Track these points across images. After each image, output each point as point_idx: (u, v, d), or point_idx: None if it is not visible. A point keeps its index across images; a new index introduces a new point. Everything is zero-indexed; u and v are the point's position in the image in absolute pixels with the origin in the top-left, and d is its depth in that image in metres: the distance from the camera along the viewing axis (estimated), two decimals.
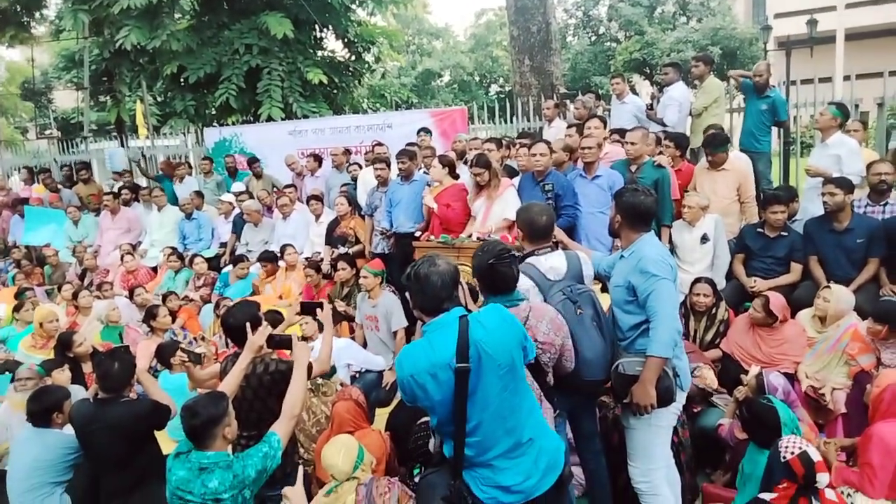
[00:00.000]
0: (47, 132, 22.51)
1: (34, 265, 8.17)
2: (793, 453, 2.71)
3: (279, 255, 6.68)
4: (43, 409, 3.44)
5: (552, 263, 2.97)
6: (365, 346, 5.42)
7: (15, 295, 6.70)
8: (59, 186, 9.68)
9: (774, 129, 6.85)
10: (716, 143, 5.47)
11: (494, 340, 2.22)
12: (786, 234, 4.90)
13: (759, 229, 4.99)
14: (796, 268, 4.87)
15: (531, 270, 2.94)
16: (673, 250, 5.02)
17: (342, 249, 6.47)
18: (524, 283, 2.88)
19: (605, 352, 2.88)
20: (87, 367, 4.83)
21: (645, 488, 2.99)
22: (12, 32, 14.04)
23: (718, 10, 24.38)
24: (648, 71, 23.18)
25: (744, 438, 3.41)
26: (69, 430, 3.45)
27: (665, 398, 2.85)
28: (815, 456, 2.70)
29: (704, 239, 5.04)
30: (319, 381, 4.07)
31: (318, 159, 8.14)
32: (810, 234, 4.88)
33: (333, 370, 4.32)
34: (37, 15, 14.63)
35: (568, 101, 8.41)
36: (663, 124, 6.72)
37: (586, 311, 2.86)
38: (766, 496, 2.77)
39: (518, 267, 2.75)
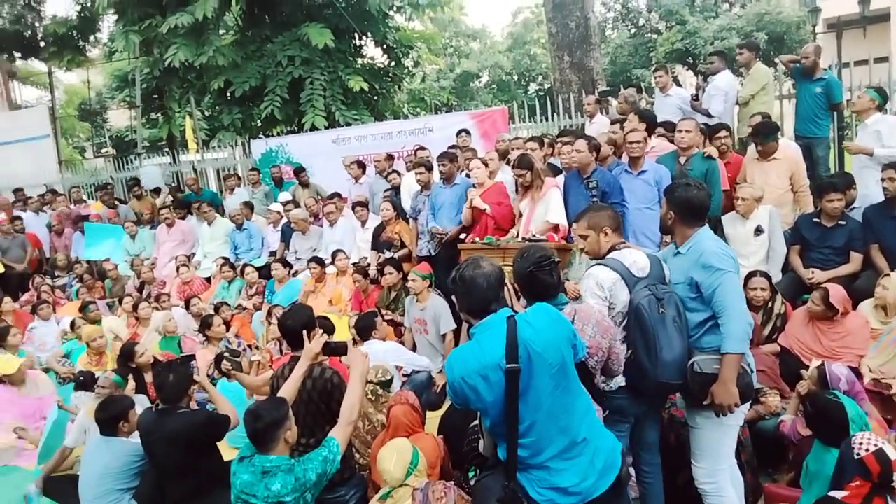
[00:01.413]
0: (103, 150, 23.47)
1: (95, 279, 8.50)
2: (867, 450, 2.61)
3: (331, 260, 6.80)
4: (109, 418, 3.58)
5: (635, 258, 2.90)
6: (414, 349, 5.46)
7: (79, 308, 6.99)
8: (117, 202, 10.08)
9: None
10: (765, 132, 5.32)
11: (543, 339, 2.21)
12: (844, 222, 4.72)
13: (816, 219, 4.83)
14: (856, 257, 4.69)
15: (617, 265, 2.86)
16: (726, 243, 4.90)
17: (388, 254, 6.53)
18: (609, 276, 2.82)
19: (683, 355, 2.79)
20: (150, 377, 5.01)
21: (710, 489, 2.92)
22: (70, 56, 14.74)
23: None
24: (692, 61, 22.63)
25: (808, 435, 3.30)
26: (135, 438, 3.59)
27: (746, 395, 2.78)
28: (892, 454, 2.59)
29: (759, 231, 4.91)
30: (380, 391, 4.11)
31: (363, 166, 8.25)
32: (870, 222, 4.70)
33: (390, 381, 4.35)
34: (91, 39, 15.31)
35: (609, 98, 8.30)
36: (709, 115, 6.57)
37: (669, 311, 2.77)
38: (837, 494, 2.67)
39: (559, 273, 2.72)
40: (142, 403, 4.20)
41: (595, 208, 3.22)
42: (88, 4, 13.61)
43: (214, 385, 4.57)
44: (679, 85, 7.97)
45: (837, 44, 13.62)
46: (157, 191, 10.40)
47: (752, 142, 5.86)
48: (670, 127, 5.77)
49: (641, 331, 2.73)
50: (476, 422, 3.31)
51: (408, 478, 2.98)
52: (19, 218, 9.55)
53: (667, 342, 2.73)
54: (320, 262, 6.77)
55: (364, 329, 5.00)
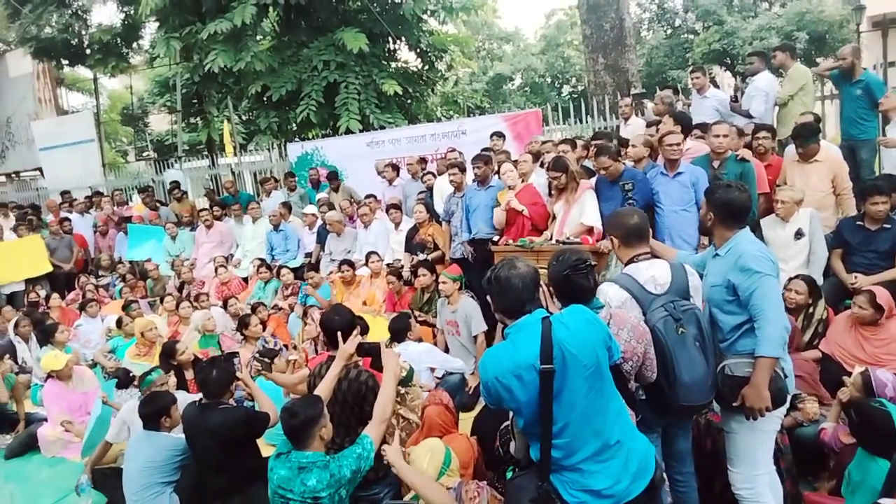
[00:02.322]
0: (145, 154, 24.11)
1: (137, 279, 8.77)
2: None
3: (364, 262, 6.88)
4: (152, 413, 3.70)
5: (653, 272, 2.80)
6: (447, 351, 5.49)
7: (122, 307, 7.21)
8: (158, 204, 10.36)
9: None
10: (805, 134, 5.21)
11: (578, 341, 2.21)
12: (888, 226, 4.59)
13: (859, 222, 4.71)
14: None
15: (628, 282, 2.80)
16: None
17: (422, 256, 6.58)
18: (617, 295, 2.77)
19: (707, 375, 2.72)
20: (190, 374, 5.14)
21: (747, 494, 2.88)
22: (114, 63, 15.20)
23: None
24: (729, 61, 22.23)
25: (850, 443, 3.23)
26: (177, 433, 3.69)
27: (778, 400, 2.74)
28: None
29: (799, 234, 4.81)
30: (402, 389, 4.14)
31: (396, 168, 8.33)
32: None
33: (411, 375, 4.39)
34: (134, 45, 15.78)
35: (644, 100, 8.22)
36: (749, 116, 6.45)
37: (689, 330, 2.69)
38: (887, 502, 2.60)
39: (595, 277, 2.69)
40: (183, 400, 4.31)
41: (611, 216, 3.18)
42: (132, 13, 14.02)
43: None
44: (716, 86, 7.85)
45: (883, 42, 13.25)
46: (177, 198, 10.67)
47: (792, 143, 5.75)
48: (706, 129, 5.70)
49: (659, 353, 2.65)
50: (506, 423, 3.32)
51: (440, 477, 3.00)
52: (68, 219, 9.91)
53: (687, 364, 2.66)
54: (351, 264, 6.85)
55: (399, 331, 5.05)
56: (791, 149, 5.77)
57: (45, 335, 6.26)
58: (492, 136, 7.62)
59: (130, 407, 4.19)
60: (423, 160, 8.25)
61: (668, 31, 25.54)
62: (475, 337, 5.33)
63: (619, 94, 9.45)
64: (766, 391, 2.68)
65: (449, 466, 3.08)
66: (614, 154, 4.98)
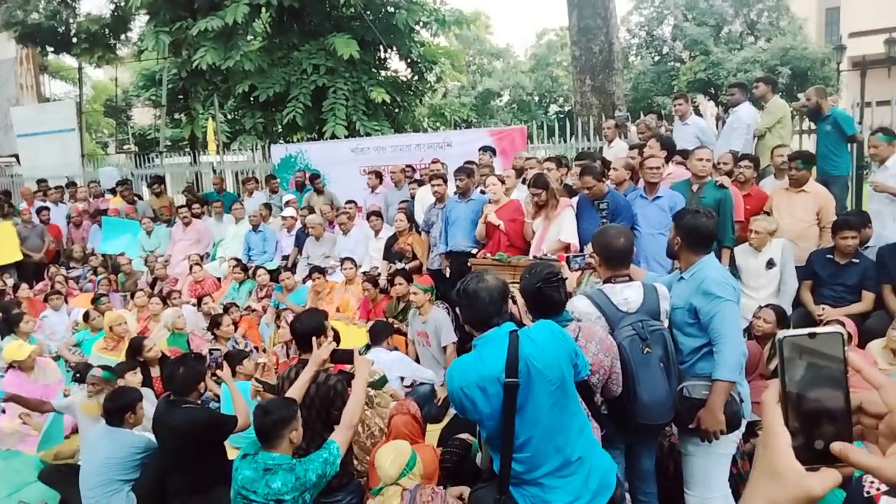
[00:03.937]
0: (125, 147, 23.81)
1: (109, 273, 8.62)
2: (879, 489, 2.58)
3: (340, 267, 6.84)
4: (117, 408, 3.62)
5: (627, 296, 2.83)
6: (418, 361, 5.48)
7: (91, 300, 7.07)
8: (136, 198, 10.22)
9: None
10: (805, 157, 5.33)
11: (544, 356, 2.23)
12: (857, 260, 4.70)
13: (829, 255, 4.81)
14: (868, 296, 4.66)
15: (600, 298, 2.83)
16: (737, 275, 4.88)
17: (399, 265, 6.57)
18: (588, 309, 2.80)
19: (668, 396, 2.74)
20: (156, 371, 5.06)
21: None
22: (100, 53, 15.03)
23: (788, 30, 23.61)
24: (713, 91, 22.67)
25: None
26: (139, 430, 3.63)
27: (733, 423, 2.78)
28: None
29: (770, 264, 4.89)
30: (372, 392, 4.13)
31: (379, 176, 8.33)
32: (885, 262, 4.66)
33: (384, 380, 4.38)
34: (122, 37, 15.62)
35: (627, 124, 8.32)
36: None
37: (655, 350, 2.72)
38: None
39: (566, 290, 2.72)
40: (147, 397, 4.24)
41: (599, 232, 3.13)
42: (122, 3, 13.90)
43: (218, 384, 4.58)
44: (699, 115, 7.97)
45: (861, 82, 13.59)
46: (113, 191, 10.57)
47: (768, 176, 5.86)
48: (687, 154, 5.78)
49: (622, 371, 2.68)
50: (459, 435, 3.33)
51: (401, 478, 2.99)
52: (47, 208, 9.73)
53: (648, 384, 2.68)
54: (322, 271, 6.82)
55: (377, 333, 5.03)
56: (768, 180, 5.89)
57: (9, 324, 6.12)
58: (480, 149, 7.64)
59: (80, 399, 4.13)
60: (409, 168, 8.25)
61: (656, 58, 25.97)
62: (445, 348, 5.32)
63: (604, 115, 9.56)
64: (722, 414, 2.73)
65: (412, 469, 3.07)
66: (598, 174, 5.04)
